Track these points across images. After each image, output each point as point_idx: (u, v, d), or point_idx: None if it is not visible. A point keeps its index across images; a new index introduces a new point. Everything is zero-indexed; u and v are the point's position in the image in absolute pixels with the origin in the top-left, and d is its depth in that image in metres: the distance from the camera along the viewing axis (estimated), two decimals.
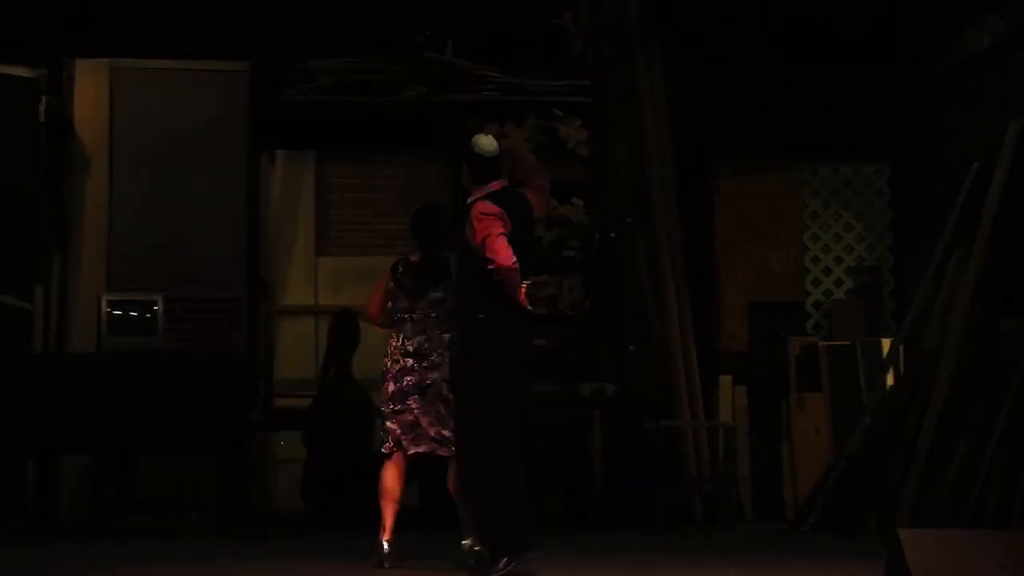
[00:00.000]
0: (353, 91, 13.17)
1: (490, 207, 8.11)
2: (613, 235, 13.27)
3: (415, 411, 8.85)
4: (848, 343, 13.30)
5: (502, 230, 8.03)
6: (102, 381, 11.33)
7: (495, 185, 8.29)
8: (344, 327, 12.69)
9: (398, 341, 8.97)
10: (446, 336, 8.75)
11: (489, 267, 7.94)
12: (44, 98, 12.84)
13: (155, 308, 12.27)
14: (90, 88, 13.32)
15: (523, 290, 8.10)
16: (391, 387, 8.90)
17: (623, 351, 13.17)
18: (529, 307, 8.20)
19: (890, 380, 12.64)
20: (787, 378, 13.49)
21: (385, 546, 8.62)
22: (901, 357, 12.69)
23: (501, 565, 7.80)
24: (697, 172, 14.10)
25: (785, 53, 13.74)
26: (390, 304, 9.06)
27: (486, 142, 8.37)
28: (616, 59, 13.65)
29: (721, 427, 13.21)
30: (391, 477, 8.86)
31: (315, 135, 13.64)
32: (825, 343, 13.46)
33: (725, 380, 13.62)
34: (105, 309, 12.23)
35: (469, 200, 8.25)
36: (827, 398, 13.20)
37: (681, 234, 13.64)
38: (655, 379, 13.31)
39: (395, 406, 8.86)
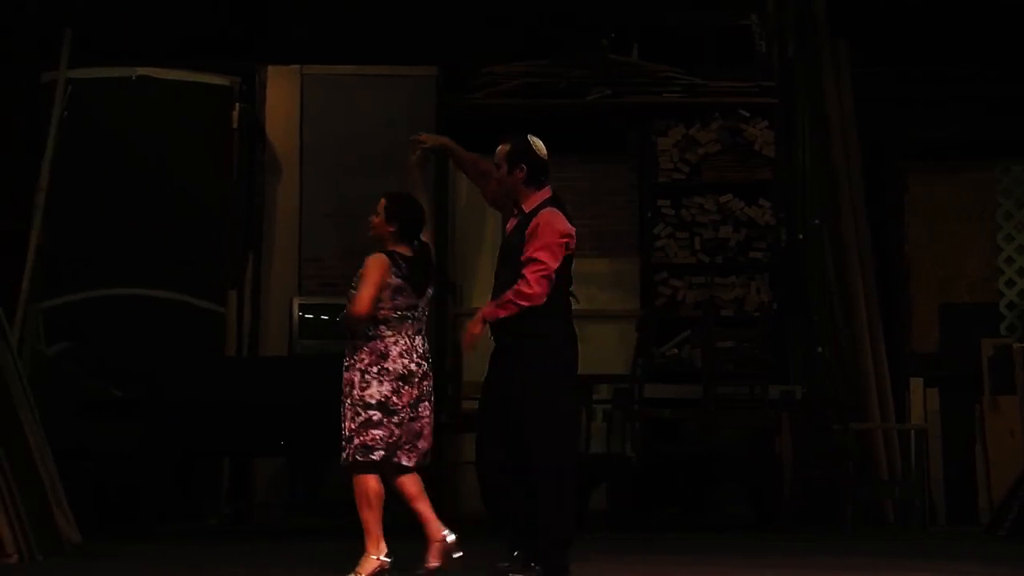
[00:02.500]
0: (539, 94, 13.25)
1: (566, 226, 8.05)
2: (801, 236, 13.20)
3: (424, 419, 8.09)
4: None
5: (556, 265, 7.93)
6: (294, 384, 11.49)
7: (547, 191, 8.25)
8: None
9: (407, 341, 8.09)
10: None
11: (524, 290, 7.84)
12: (237, 105, 13.07)
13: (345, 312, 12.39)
14: (281, 94, 13.51)
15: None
16: (410, 391, 8.03)
17: (811, 353, 13.09)
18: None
19: None
20: (980, 380, 13.30)
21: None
22: None
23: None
24: (886, 172, 13.95)
25: (975, 50, 13.53)
26: (390, 301, 8.13)
27: (541, 144, 8.31)
28: (802, 59, 13.57)
29: (912, 430, 13.04)
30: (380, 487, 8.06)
31: (501, 138, 13.68)
32: (1020, 345, 13.21)
33: (916, 382, 13.47)
34: (297, 313, 12.40)
35: (531, 206, 8.14)
36: (1021, 401, 12.97)
37: (870, 235, 13.51)
38: (844, 381, 13.20)
39: (409, 413, 8.02)
